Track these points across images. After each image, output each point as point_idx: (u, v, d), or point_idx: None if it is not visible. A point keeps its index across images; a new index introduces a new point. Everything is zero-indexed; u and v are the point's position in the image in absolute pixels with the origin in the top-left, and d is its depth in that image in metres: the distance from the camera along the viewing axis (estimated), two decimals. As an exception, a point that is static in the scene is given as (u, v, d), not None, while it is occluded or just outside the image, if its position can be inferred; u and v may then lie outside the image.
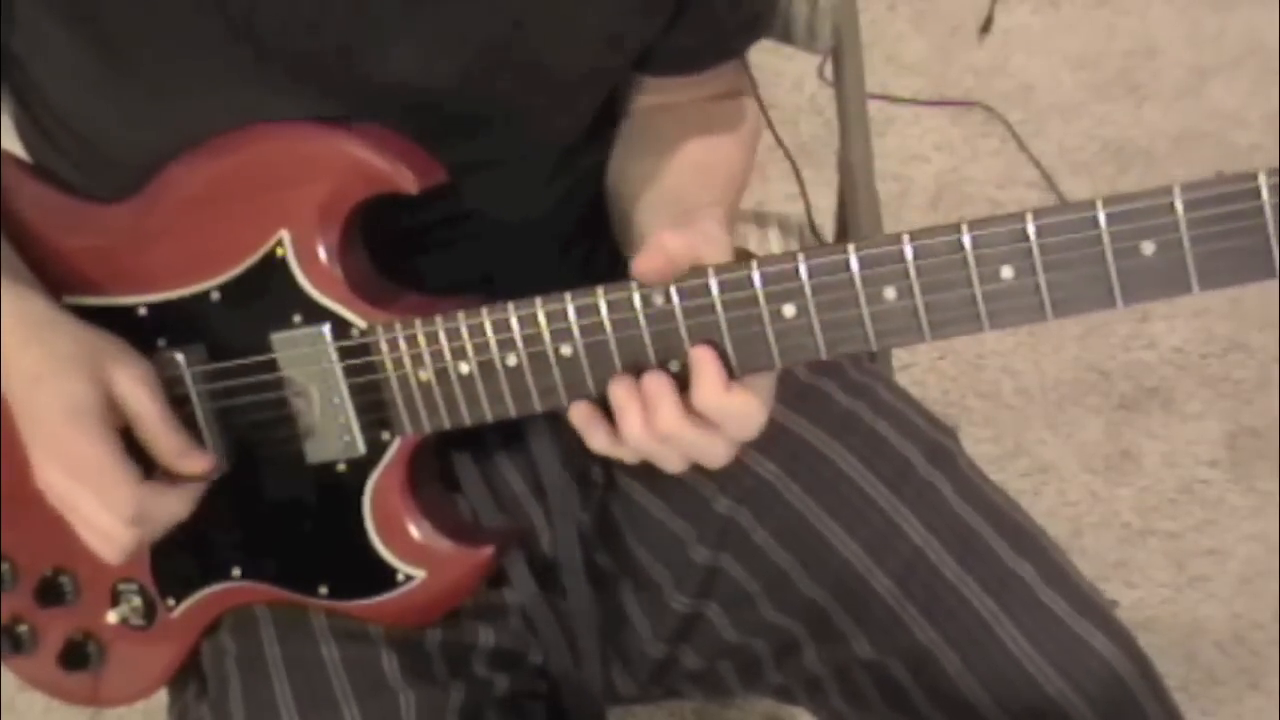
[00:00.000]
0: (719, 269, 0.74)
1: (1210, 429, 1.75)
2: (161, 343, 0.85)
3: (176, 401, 0.83)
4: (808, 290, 0.73)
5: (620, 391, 0.76)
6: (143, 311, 0.85)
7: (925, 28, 2.23)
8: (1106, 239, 0.68)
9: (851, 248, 0.72)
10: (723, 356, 0.75)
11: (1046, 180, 2.01)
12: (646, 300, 0.75)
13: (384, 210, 0.82)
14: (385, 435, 0.84)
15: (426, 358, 0.80)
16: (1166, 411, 1.77)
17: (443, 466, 0.91)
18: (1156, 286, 0.68)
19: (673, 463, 0.77)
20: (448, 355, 0.80)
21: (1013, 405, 1.80)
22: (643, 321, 0.76)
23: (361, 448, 0.84)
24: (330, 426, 0.84)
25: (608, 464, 0.95)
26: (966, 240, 0.70)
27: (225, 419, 0.86)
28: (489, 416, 0.81)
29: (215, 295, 0.84)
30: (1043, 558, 0.88)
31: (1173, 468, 1.73)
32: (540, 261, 0.91)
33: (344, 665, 0.88)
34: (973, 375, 1.83)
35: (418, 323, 0.80)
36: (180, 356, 0.84)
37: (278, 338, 0.83)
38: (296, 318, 0.82)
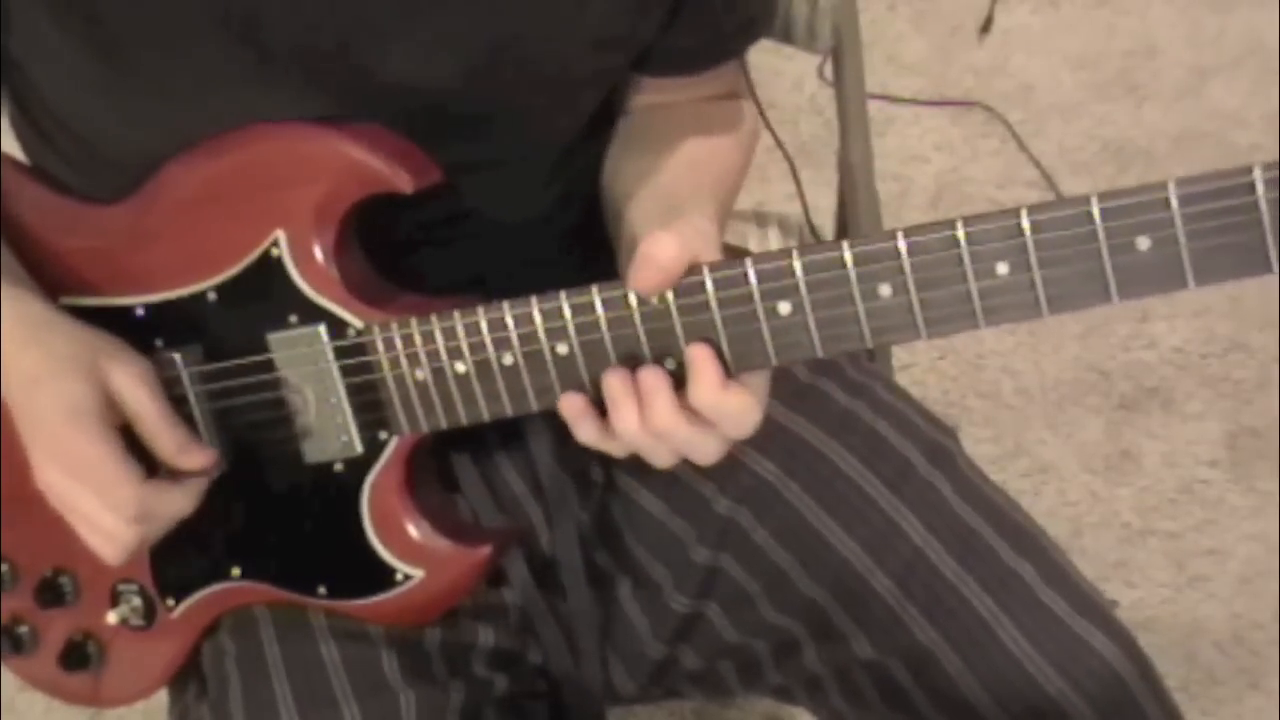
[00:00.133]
0: (714, 267, 0.74)
1: (1210, 429, 1.75)
2: (159, 343, 0.85)
3: (174, 402, 0.83)
4: (803, 288, 0.73)
5: (615, 385, 0.75)
6: (140, 312, 0.85)
7: (925, 28, 2.22)
8: (1101, 235, 0.68)
9: (846, 245, 0.72)
10: (718, 354, 0.74)
11: (1046, 180, 2.00)
12: (642, 299, 0.75)
13: (382, 210, 0.82)
14: (383, 435, 0.84)
15: (423, 357, 0.80)
16: (1166, 411, 1.77)
17: (442, 467, 0.91)
18: (1152, 282, 0.68)
19: (663, 458, 0.77)
20: (444, 355, 0.80)
21: (1013, 405, 1.80)
22: (638, 320, 0.76)
23: (359, 447, 0.84)
24: (328, 426, 0.84)
25: (607, 463, 0.95)
26: (961, 237, 0.70)
27: (223, 419, 0.86)
28: (485, 416, 0.81)
29: (212, 296, 0.84)
30: (1043, 557, 0.88)
31: (1173, 468, 1.72)
32: (538, 261, 0.91)
33: (344, 665, 0.88)
34: (973, 375, 1.83)
35: (414, 322, 0.80)
36: (177, 357, 0.84)
37: (274, 338, 0.83)
38: (293, 318, 0.82)
